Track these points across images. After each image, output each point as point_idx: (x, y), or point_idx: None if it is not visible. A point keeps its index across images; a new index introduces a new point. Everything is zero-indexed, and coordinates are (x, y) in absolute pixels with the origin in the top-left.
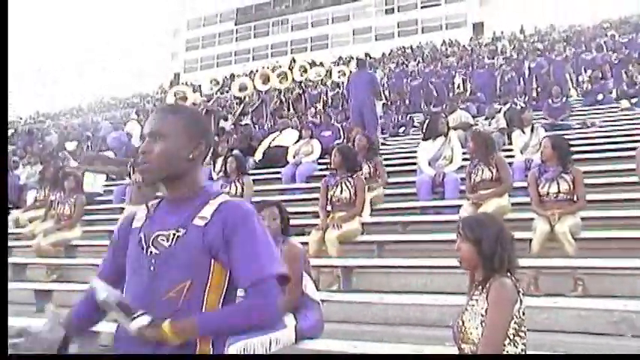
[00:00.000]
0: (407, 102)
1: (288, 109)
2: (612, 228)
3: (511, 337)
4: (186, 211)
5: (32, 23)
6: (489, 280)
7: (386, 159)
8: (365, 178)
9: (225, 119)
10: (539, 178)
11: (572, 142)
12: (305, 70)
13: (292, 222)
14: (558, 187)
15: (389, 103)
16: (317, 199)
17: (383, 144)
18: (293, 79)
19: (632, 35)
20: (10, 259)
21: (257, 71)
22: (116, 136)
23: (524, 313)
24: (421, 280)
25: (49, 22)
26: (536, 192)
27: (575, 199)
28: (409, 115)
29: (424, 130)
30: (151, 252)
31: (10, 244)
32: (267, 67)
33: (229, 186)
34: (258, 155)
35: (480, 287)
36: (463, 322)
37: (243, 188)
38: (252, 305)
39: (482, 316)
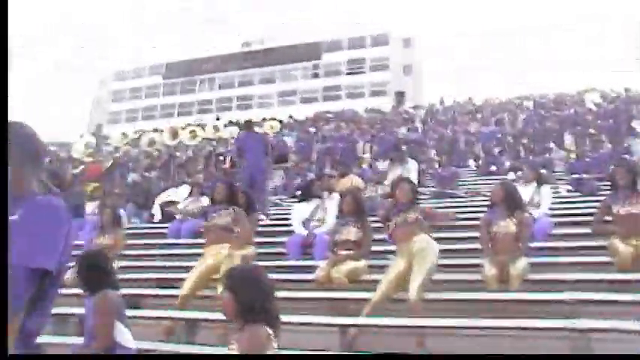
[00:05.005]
0: (313, 165)
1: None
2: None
3: None
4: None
5: (32, 23)
6: (244, 328)
7: (279, 219)
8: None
9: (135, 172)
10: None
11: (458, 210)
12: (218, 130)
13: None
14: None
15: (294, 165)
16: (200, 254)
17: (277, 205)
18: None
19: (531, 112)
20: None
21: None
22: None
23: None
24: None
25: (48, 22)
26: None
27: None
28: (310, 178)
29: (299, 193)
30: None
31: None
32: (179, 124)
33: (102, 237)
34: (156, 210)
35: (237, 336)
36: None
37: (114, 240)
38: None
39: None
